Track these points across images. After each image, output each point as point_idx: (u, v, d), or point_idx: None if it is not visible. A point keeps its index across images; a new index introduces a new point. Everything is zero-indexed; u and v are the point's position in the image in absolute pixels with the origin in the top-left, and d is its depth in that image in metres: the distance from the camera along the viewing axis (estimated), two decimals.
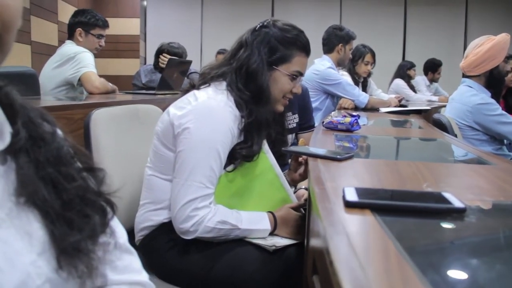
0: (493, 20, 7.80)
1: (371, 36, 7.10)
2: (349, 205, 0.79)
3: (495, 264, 0.61)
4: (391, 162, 1.29)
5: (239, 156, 1.43)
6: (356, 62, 3.89)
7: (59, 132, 0.74)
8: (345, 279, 0.50)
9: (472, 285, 0.53)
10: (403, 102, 4.76)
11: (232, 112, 1.42)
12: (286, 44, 1.51)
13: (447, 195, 0.83)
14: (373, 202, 0.79)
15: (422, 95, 5.55)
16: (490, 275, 0.57)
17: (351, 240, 0.63)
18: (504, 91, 3.60)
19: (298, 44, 1.54)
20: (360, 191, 0.84)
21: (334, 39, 3.51)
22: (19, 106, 0.68)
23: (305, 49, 1.56)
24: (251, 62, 1.48)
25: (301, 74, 1.55)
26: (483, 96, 2.81)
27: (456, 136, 2.67)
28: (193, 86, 1.52)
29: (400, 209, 0.78)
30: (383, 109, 3.40)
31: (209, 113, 1.39)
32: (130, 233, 1.50)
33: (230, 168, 1.44)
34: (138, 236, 1.49)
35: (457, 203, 0.79)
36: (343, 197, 0.81)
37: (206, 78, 1.51)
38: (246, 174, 1.47)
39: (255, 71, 1.47)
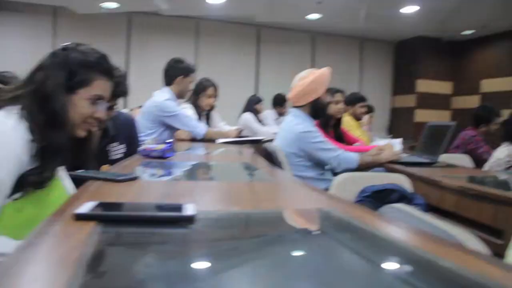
0: (335, 56, 8.66)
1: (226, 73, 7.40)
2: (78, 217, 0.78)
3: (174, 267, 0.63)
4: (173, 182, 1.32)
5: (27, 183, 1.36)
6: (199, 96, 3.97)
7: None
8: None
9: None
10: (249, 134, 4.96)
11: (21, 137, 1.35)
12: (86, 67, 1.49)
13: (187, 206, 0.85)
14: (100, 214, 0.78)
15: (270, 128, 5.81)
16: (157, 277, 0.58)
17: (45, 251, 0.61)
18: (333, 122, 3.90)
19: (100, 68, 1.52)
20: (101, 205, 0.83)
21: (174, 72, 3.55)
22: None
23: (107, 73, 1.54)
24: (46, 85, 1.43)
25: (102, 98, 1.54)
26: (306, 124, 3.01)
27: (280, 163, 2.82)
28: None
29: (127, 219, 0.78)
30: (219, 140, 3.49)
31: None
32: None
33: (17, 196, 1.36)
34: None
35: (187, 212, 0.81)
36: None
37: None
38: (38, 202, 1.40)
39: (49, 95, 1.42)
